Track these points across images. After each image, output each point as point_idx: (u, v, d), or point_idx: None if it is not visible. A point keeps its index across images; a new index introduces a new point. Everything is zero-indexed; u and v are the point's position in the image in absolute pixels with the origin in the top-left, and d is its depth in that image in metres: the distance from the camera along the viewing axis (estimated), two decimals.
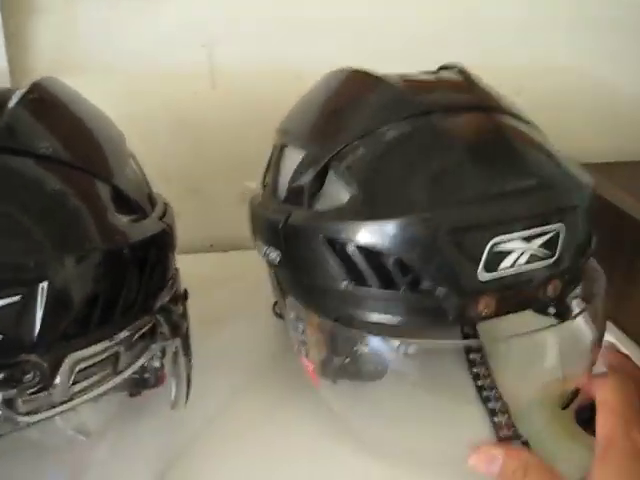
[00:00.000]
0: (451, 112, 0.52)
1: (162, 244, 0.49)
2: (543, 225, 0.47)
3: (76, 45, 0.69)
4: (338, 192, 0.50)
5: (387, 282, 0.47)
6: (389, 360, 0.51)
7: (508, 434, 0.54)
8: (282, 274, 0.56)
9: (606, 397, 0.47)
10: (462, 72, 0.58)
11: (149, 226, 0.48)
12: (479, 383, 0.60)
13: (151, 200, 0.53)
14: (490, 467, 0.46)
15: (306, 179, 0.52)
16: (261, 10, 0.75)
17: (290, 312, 0.54)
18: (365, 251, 0.47)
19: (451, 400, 0.57)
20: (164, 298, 0.49)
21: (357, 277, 0.48)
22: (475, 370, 0.61)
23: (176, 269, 0.53)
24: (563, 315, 0.53)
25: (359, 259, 0.48)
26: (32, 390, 0.38)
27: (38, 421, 0.40)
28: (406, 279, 0.47)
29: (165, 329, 0.48)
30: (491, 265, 0.45)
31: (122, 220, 0.45)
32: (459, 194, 0.46)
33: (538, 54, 0.86)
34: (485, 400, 0.58)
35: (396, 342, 0.49)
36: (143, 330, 0.46)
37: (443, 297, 0.46)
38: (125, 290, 0.44)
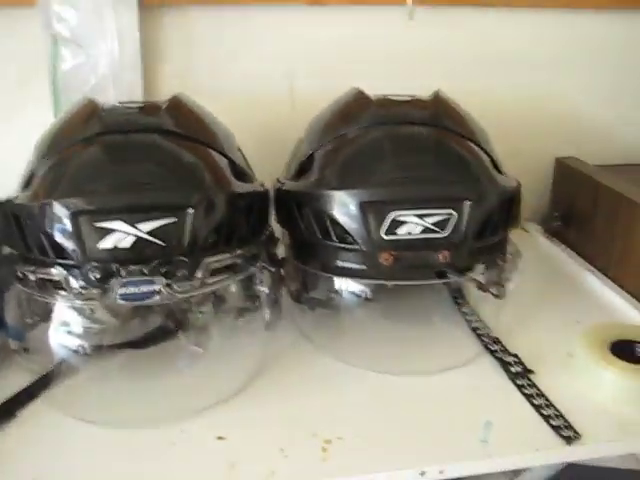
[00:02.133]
0: (399, 124, 0.72)
1: (261, 199, 0.70)
2: (435, 208, 0.66)
3: (191, 75, 0.97)
4: (312, 172, 0.73)
5: (325, 236, 0.69)
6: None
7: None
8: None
9: None
10: (437, 95, 0.78)
11: (252, 186, 0.71)
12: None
13: (252, 176, 0.76)
14: None
15: (298, 162, 0.76)
16: (328, 50, 0.99)
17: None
18: (315, 213, 0.69)
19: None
20: (266, 234, 0.72)
21: (312, 233, 0.70)
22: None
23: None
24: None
25: (312, 219, 0.70)
26: (182, 280, 0.60)
27: (188, 296, 0.64)
28: (338, 235, 0.68)
29: (264, 256, 0.70)
30: (390, 230, 0.66)
31: (235, 179, 0.68)
32: (375, 178, 0.67)
33: None
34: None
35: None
36: (251, 252, 0.68)
37: (357, 250, 0.67)
38: (239, 224, 0.65)
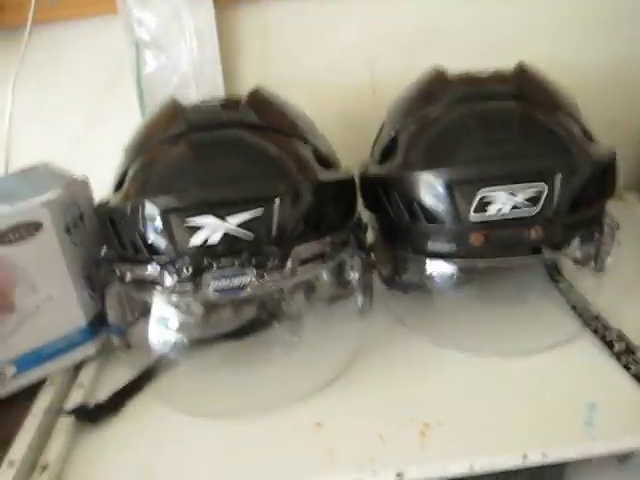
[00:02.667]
0: (483, 100, 0.70)
1: (348, 187, 0.70)
2: (525, 184, 0.64)
3: (271, 67, 0.98)
4: (396, 155, 0.72)
5: (414, 219, 0.68)
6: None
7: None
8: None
9: None
10: (521, 67, 0.75)
11: (338, 173, 0.71)
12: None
13: (337, 162, 0.76)
14: None
15: (382, 146, 0.75)
16: (407, 35, 0.98)
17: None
18: (403, 197, 0.69)
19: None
20: (353, 221, 0.72)
21: (400, 216, 0.70)
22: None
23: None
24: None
25: (399, 202, 0.69)
26: (273, 269, 0.61)
27: (278, 286, 0.63)
28: (427, 216, 0.67)
29: (353, 242, 0.70)
30: (479, 209, 0.64)
31: (320, 167, 0.69)
32: (461, 156, 0.66)
33: None
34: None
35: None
36: (340, 239, 0.68)
37: (447, 231, 0.66)
38: (326, 212, 0.65)
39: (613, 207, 0.73)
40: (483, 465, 0.58)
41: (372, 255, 0.75)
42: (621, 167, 0.71)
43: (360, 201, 0.75)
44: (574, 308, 0.76)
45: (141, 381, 0.70)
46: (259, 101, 0.74)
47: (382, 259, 0.77)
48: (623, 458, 0.80)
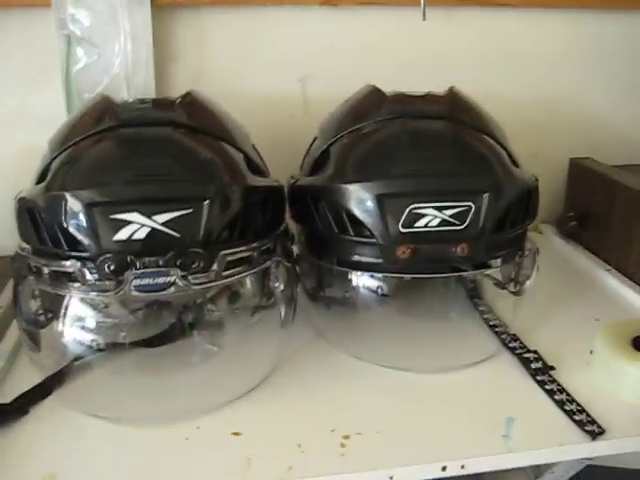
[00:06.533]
0: (416, 118, 0.72)
1: (277, 195, 0.70)
2: (454, 201, 0.65)
3: (204, 76, 0.97)
4: (327, 167, 0.72)
5: (342, 231, 0.68)
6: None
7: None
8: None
9: None
10: (452, 91, 0.77)
11: (268, 181, 0.71)
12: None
13: (267, 172, 0.75)
14: None
15: (313, 158, 0.75)
16: (340, 52, 0.99)
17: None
18: (332, 207, 0.68)
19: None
20: (281, 229, 0.70)
21: (328, 227, 0.69)
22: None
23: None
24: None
25: (328, 213, 0.69)
26: (198, 272, 0.59)
27: (202, 288, 0.61)
28: (355, 229, 0.67)
29: (280, 251, 0.68)
30: (408, 223, 0.65)
31: (250, 174, 0.68)
32: (392, 170, 0.66)
33: None
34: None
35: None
36: (267, 246, 0.66)
37: (374, 243, 0.66)
38: (255, 217, 0.64)
39: (532, 239, 0.76)
40: (403, 476, 0.57)
41: (297, 267, 0.74)
42: (541, 201, 0.73)
43: (288, 213, 0.74)
44: (493, 328, 0.77)
45: (51, 384, 0.66)
46: (193, 103, 0.73)
47: (307, 272, 0.77)
48: (535, 474, 0.81)
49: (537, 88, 1.08)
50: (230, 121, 0.75)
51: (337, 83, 0.91)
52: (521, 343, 0.74)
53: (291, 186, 0.75)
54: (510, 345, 0.74)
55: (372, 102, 0.76)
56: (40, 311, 0.67)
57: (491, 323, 0.78)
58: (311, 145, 0.81)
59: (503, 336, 0.76)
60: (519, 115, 1.02)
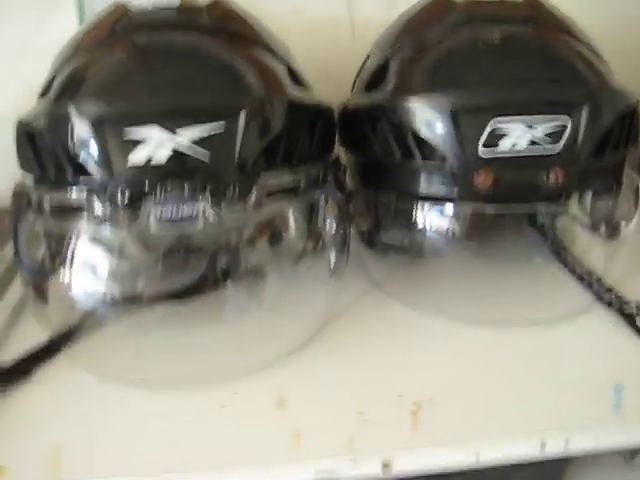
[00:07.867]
0: (494, 23, 0.59)
1: (327, 115, 0.58)
2: (547, 114, 0.52)
3: None
4: (387, 82, 0.60)
5: (406, 156, 0.56)
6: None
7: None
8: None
9: None
10: None
11: (317, 98, 0.59)
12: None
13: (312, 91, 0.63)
14: None
15: (368, 74, 0.63)
16: None
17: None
18: (394, 128, 0.56)
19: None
20: (331, 158, 0.60)
21: (389, 153, 0.57)
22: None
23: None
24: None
25: (389, 136, 0.57)
26: (233, 201, 0.48)
27: (238, 221, 0.53)
28: (422, 152, 0.55)
29: (332, 181, 0.57)
30: (489, 143, 0.52)
31: (295, 87, 0.57)
32: (469, 78, 0.54)
33: None
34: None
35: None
36: (315, 175, 0.55)
37: (447, 169, 0.54)
38: (301, 139, 0.53)
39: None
40: (490, 454, 0.46)
41: (350, 207, 0.62)
42: None
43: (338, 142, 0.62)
44: (582, 279, 0.65)
45: (58, 342, 0.56)
46: (224, 8, 0.61)
47: (361, 211, 0.65)
48: (630, 455, 0.69)
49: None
50: (268, 30, 0.62)
51: (390, 3, 0.78)
52: (618, 295, 0.61)
53: (342, 110, 0.62)
54: (605, 299, 0.61)
55: (439, 8, 0.63)
56: (44, 255, 0.56)
57: (580, 271, 0.65)
58: (364, 63, 0.68)
59: (595, 287, 0.63)
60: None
